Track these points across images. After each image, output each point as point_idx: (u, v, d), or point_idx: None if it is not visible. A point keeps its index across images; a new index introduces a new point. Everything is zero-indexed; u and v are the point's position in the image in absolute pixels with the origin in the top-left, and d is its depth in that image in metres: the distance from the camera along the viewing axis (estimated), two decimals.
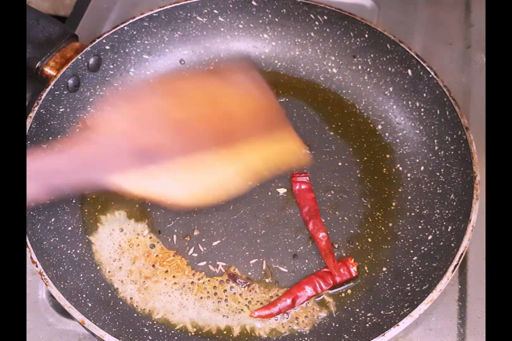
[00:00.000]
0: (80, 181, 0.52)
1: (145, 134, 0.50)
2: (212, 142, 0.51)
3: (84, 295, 0.73)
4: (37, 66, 0.81)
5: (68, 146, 0.53)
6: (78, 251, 0.78)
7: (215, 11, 0.91)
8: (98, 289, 0.75)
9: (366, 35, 0.87)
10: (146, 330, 0.73)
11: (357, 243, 0.79)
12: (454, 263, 0.69)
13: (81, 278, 0.75)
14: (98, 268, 0.77)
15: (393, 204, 0.82)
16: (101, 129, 0.51)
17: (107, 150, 0.50)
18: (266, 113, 0.55)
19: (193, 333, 0.73)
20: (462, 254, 0.70)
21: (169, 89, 0.54)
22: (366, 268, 0.78)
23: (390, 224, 0.81)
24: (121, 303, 0.75)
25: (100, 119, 0.52)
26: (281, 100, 0.90)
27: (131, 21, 0.86)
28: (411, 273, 0.75)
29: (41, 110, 0.79)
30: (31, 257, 0.69)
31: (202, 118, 0.52)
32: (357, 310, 0.74)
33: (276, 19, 0.92)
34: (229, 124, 0.52)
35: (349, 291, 0.76)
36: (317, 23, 0.90)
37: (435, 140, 0.83)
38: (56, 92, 0.81)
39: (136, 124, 0.51)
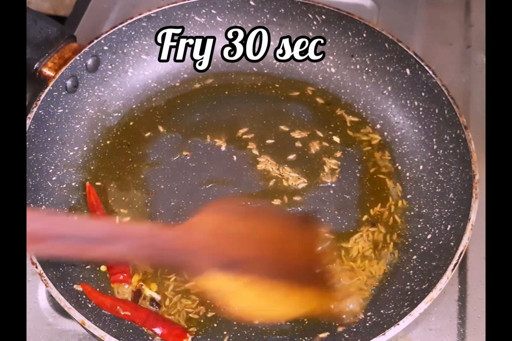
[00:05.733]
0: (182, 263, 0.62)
1: (231, 248, 0.61)
2: (274, 273, 0.62)
3: (84, 296, 0.73)
4: (35, 67, 0.81)
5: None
6: None
7: (213, 11, 0.91)
8: (98, 289, 0.75)
9: (364, 35, 0.87)
10: (146, 330, 0.73)
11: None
12: (454, 261, 0.69)
13: (81, 279, 0.75)
14: (98, 268, 0.77)
15: (392, 203, 0.82)
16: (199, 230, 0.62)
17: (201, 248, 0.60)
18: (317, 268, 0.66)
19: (194, 334, 0.73)
20: (461, 252, 0.70)
21: (251, 217, 0.65)
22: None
23: (390, 223, 0.81)
24: None
25: (199, 224, 0.62)
26: (281, 99, 0.91)
27: (129, 21, 0.86)
28: (411, 272, 0.75)
29: (40, 111, 0.79)
30: (30, 258, 0.69)
31: (273, 255, 0.63)
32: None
33: (274, 19, 0.92)
34: (290, 265, 0.63)
35: None
36: (315, 22, 0.90)
37: (434, 139, 0.83)
38: (54, 93, 0.81)
39: (225, 238, 0.62)
